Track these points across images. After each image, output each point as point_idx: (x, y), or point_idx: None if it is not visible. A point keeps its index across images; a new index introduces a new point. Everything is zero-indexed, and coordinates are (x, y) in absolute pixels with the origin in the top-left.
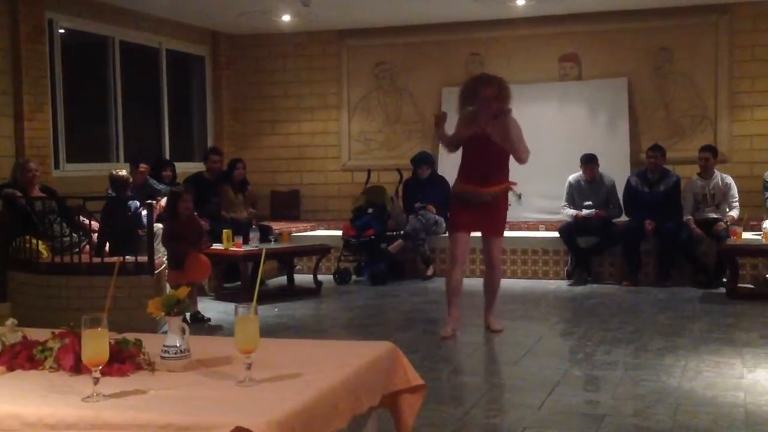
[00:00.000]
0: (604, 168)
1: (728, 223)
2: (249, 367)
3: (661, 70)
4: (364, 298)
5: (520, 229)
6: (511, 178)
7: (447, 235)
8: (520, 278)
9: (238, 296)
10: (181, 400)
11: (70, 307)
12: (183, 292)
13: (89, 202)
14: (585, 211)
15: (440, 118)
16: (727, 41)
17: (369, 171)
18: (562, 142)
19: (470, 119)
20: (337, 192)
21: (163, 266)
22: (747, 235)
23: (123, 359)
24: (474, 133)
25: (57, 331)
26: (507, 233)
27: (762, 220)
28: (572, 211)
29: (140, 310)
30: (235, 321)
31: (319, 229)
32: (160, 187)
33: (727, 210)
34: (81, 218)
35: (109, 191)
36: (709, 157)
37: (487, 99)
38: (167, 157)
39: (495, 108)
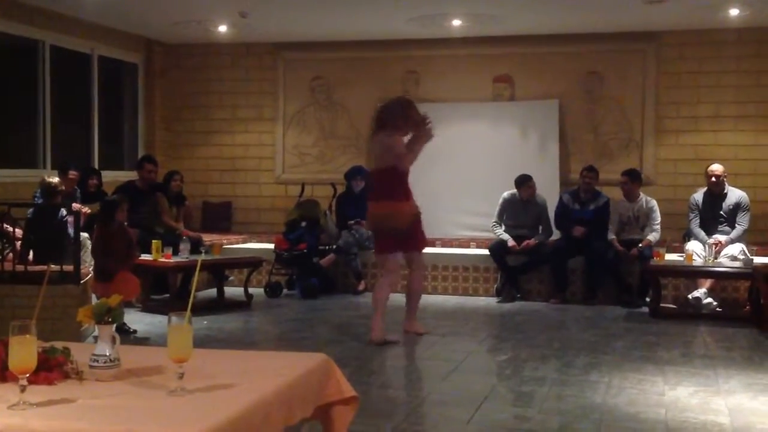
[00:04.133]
0: None
1: (641, 247)
2: (181, 376)
3: (592, 94)
4: (295, 312)
5: (451, 246)
6: (435, 194)
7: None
8: (450, 295)
9: (166, 308)
10: (110, 409)
11: None
12: (115, 300)
13: (15, 208)
14: (516, 232)
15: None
16: (654, 68)
17: (303, 184)
18: (493, 161)
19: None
20: (270, 205)
21: (89, 276)
22: (670, 257)
23: (50, 367)
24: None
25: None
26: (439, 250)
27: (684, 241)
28: (506, 237)
29: (65, 320)
30: (169, 330)
31: (250, 241)
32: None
33: (649, 232)
34: (4, 225)
35: (37, 198)
36: (627, 181)
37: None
38: (96, 164)
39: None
